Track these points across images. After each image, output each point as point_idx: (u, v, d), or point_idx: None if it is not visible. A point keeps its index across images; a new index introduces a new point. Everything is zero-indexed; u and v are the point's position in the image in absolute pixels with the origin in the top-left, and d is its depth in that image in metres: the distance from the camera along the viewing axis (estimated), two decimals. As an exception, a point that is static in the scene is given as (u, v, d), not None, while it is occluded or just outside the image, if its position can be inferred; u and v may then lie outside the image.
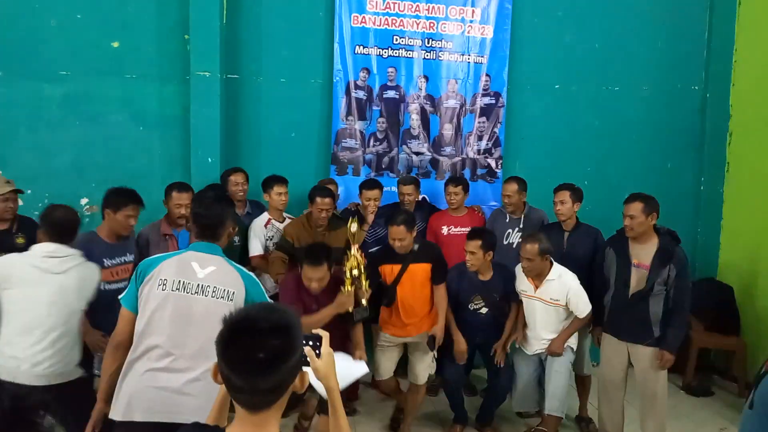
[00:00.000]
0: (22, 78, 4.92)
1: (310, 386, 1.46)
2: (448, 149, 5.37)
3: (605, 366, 3.80)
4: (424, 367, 3.91)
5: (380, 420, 4.27)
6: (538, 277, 3.79)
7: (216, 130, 4.89)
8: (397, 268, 3.77)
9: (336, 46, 5.17)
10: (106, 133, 5.02)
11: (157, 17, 5.01)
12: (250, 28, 5.13)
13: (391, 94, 5.28)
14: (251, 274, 2.53)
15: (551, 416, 3.79)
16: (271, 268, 4.11)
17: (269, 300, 2.57)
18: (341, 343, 3.30)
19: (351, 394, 4.38)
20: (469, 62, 5.32)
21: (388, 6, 5.20)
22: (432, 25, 5.25)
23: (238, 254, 4.22)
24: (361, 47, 5.20)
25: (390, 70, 5.25)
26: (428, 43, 5.27)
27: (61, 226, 2.91)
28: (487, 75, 5.33)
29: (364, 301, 3.47)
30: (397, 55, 5.25)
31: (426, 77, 5.30)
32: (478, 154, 5.39)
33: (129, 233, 3.47)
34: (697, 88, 5.55)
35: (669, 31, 5.50)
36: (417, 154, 5.34)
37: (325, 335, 1.55)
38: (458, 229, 4.53)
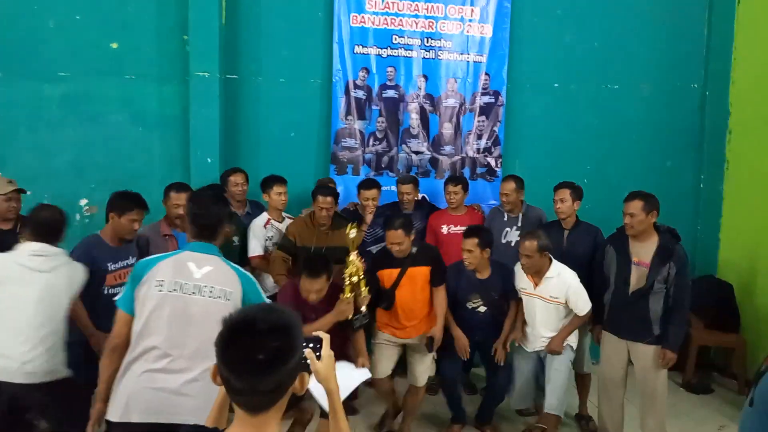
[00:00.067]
0: (22, 78, 4.92)
1: (309, 393, 1.45)
2: (448, 148, 5.37)
3: (605, 364, 3.80)
4: (424, 369, 3.90)
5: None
6: (537, 274, 3.79)
7: (215, 130, 4.89)
8: (395, 272, 3.74)
9: (335, 45, 5.17)
10: (105, 134, 5.03)
11: (157, 18, 5.02)
12: (250, 28, 5.14)
13: (390, 93, 5.28)
14: (248, 273, 2.53)
15: (551, 415, 3.79)
16: (272, 267, 4.11)
17: (266, 300, 2.55)
18: (341, 350, 3.29)
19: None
20: (468, 61, 5.32)
21: (387, 5, 5.20)
22: (431, 24, 5.26)
23: (238, 254, 4.22)
24: (361, 47, 5.21)
25: (389, 69, 5.25)
26: (427, 42, 5.27)
27: (46, 225, 2.94)
28: (486, 74, 5.34)
29: (363, 308, 3.45)
30: (396, 54, 5.25)
31: (425, 76, 5.30)
32: (478, 153, 5.39)
33: (133, 237, 3.46)
34: (696, 86, 5.55)
35: (668, 30, 5.50)
36: (416, 153, 5.34)
37: (326, 337, 1.54)
38: (458, 228, 4.52)
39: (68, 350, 3.37)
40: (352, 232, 3.45)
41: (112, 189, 4.84)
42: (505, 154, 5.43)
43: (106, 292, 3.26)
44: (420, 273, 3.78)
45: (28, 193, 4.08)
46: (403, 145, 5.33)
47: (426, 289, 3.82)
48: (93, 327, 3.16)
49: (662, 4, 5.49)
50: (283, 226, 4.34)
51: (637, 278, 3.56)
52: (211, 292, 2.35)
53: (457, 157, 5.38)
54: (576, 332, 3.89)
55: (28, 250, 2.87)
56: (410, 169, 5.31)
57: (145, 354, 2.30)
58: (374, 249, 4.35)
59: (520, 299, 3.93)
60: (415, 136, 5.34)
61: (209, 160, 4.88)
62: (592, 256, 4.04)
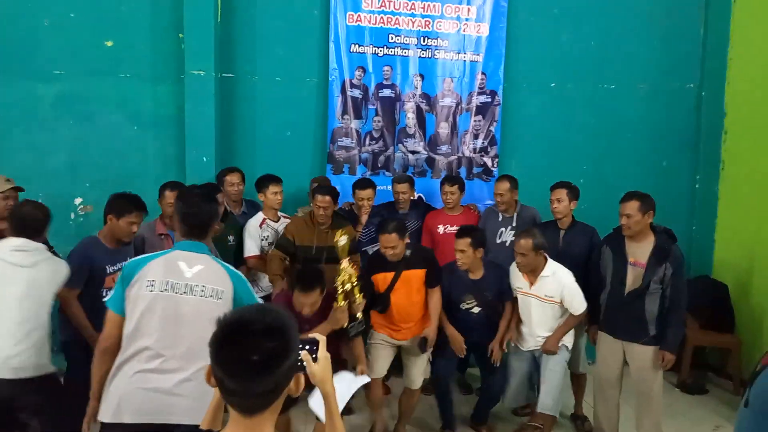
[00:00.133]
0: (16, 77, 4.90)
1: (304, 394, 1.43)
2: (444, 148, 5.37)
3: (601, 364, 3.80)
4: (419, 371, 3.88)
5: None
6: (532, 273, 3.78)
7: (211, 129, 4.88)
8: (390, 275, 3.71)
9: (331, 44, 5.16)
10: (100, 133, 5.01)
11: (152, 16, 5.00)
12: (245, 26, 5.12)
13: (386, 92, 5.27)
14: (238, 272, 2.51)
15: (546, 415, 3.79)
16: (269, 266, 4.09)
17: (257, 298, 2.53)
18: (335, 354, 3.27)
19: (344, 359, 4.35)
20: (464, 60, 5.32)
21: (383, 4, 5.19)
22: (427, 23, 5.25)
23: (233, 254, 4.21)
24: (357, 46, 5.19)
25: (385, 68, 5.24)
26: (424, 41, 5.26)
27: (27, 221, 2.95)
28: (482, 73, 5.33)
29: (359, 315, 3.42)
30: (392, 53, 5.24)
31: (422, 76, 5.29)
32: (474, 152, 5.39)
33: (131, 240, 3.44)
34: (692, 86, 5.56)
35: (664, 30, 5.50)
36: (413, 152, 5.34)
37: (322, 339, 1.53)
38: (454, 228, 4.49)
39: (68, 350, 3.38)
40: (342, 239, 3.43)
41: (107, 188, 4.83)
42: (502, 153, 5.43)
43: (104, 294, 3.24)
44: (415, 276, 3.75)
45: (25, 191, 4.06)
46: (400, 145, 5.32)
47: (422, 291, 3.80)
48: (91, 328, 3.15)
49: (658, 4, 5.49)
50: (278, 226, 4.33)
51: (633, 278, 3.56)
52: (202, 291, 2.33)
53: (453, 157, 5.38)
54: (571, 332, 3.89)
55: (9, 245, 2.87)
56: (407, 168, 5.30)
57: (138, 354, 2.28)
58: (370, 249, 4.34)
59: (515, 299, 3.93)
60: (412, 136, 5.33)
61: (205, 159, 4.87)
62: (588, 256, 4.04)
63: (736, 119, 5.31)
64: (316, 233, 4.06)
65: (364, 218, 4.48)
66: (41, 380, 2.83)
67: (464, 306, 3.90)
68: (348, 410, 4.27)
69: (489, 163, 5.40)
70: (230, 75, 5.11)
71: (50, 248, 3.74)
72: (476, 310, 3.90)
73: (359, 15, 5.17)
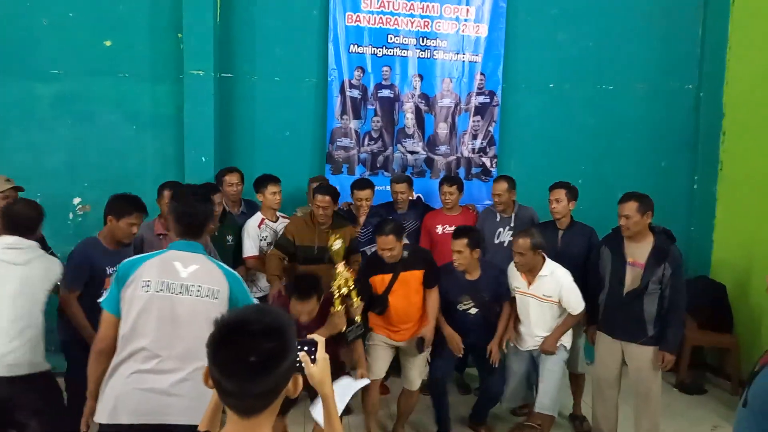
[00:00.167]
0: (14, 77, 4.89)
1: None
2: (443, 148, 5.37)
3: (599, 364, 3.80)
4: (418, 372, 3.87)
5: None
6: (531, 273, 3.78)
7: (210, 129, 4.87)
8: (387, 277, 3.69)
9: (330, 45, 5.16)
10: (99, 133, 5.01)
11: (150, 16, 5.00)
12: (244, 26, 5.12)
13: (385, 93, 5.27)
14: (234, 272, 2.51)
15: (544, 415, 3.79)
16: (267, 265, 4.08)
17: (253, 298, 2.53)
18: (333, 357, 3.25)
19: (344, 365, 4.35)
20: (463, 61, 5.32)
21: (382, 5, 5.19)
22: (426, 23, 5.25)
23: (232, 254, 4.21)
24: (356, 46, 5.20)
25: (384, 69, 5.25)
26: (423, 41, 5.26)
27: (19, 219, 2.96)
28: (481, 74, 5.34)
29: (357, 318, 3.40)
30: (391, 54, 5.25)
31: (420, 76, 5.30)
32: (473, 153, 5.39)
33: (130, 241, 3.44)
34: (691, 87, 5.57)
35: (663, 30, 5.51)
36: (412, 153, 5.34)
37: (321, 340, 1.52)
38: (452, 228, 4.49)
39: (68, 349, 3.38)
40: (336, 244, 3.40)
41: (106, 188, 4.82)
42: (501, 154, 5.43)
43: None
44: (413, 277, 3.74)
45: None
46: (399, 145, 5.32)
47: (420, 291, 3.79)
48: (91, 329, 3.15)
49: (657, 4, 5.50)
50: (277, 226, 4.33)
51: (631, 279, 3.56)
52: (198, 291, 2.33)
53: (452, 157, 5.38)
54: (570, 332, 3.89)
55: (1, 243, 2.89)
56: (405, 168, 5.31)
57: (134, 355, 2.27)
58: (368, 250, 4.34)
59: (514, 299, 3.92)
60: (411, 136, 5.33)
61: (204, 159, 4.87)
62: (587, 256, 4.04)
63: (734, 120, 5.32)
64: (317, 233, 4.04)
65: (362, 219, 4.48)
66: (36, 378, 2.84)
67: (461, 307, 3.89)
68: (347, 410, 4.27)
69: (488, 163, 5.41)
70: (229, 75, 5.11)
71: (48, 248, 3.77)
72: (473, 311, 3.89)
73: (358, 15, 5.18)
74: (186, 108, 4.87)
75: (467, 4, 5.27)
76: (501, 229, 4.50)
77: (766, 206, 4.87)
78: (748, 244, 5.05)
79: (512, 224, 4.47)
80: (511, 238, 4.09)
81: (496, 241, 4.47)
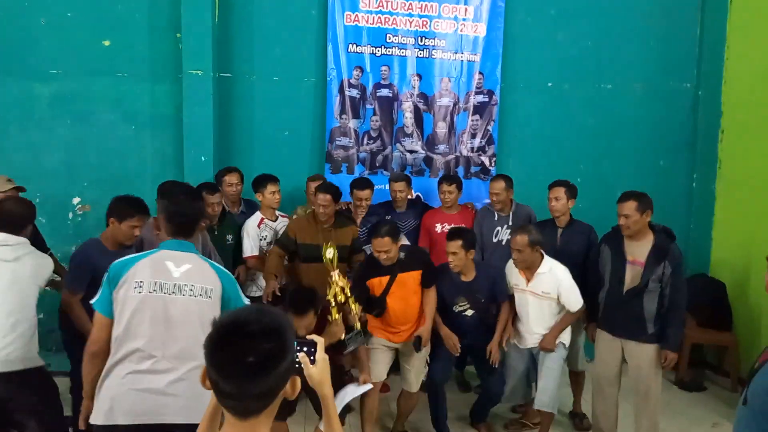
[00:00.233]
0: (12, 77, 4.89)
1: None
2: (442, 147, 5.37)
3: (599, 362, 3.81)
4: (417, 375, 3.85)
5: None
6: (529, 269, 3.79)
7: (209, 129, 4.88)
8: (385, 279, 3.66)
9: (329, 44, 5.16)
10: (97, 133, 5.01)
11: (149, 15, 4.99)
12: (243, 26, 5.12)
13: (384, 92, 5.28)
14: (227, 271, 2.49)
15: (544, 412, 3.80)
16: (267, 262, 4.09)
17: (246, 301, 2.50)
18: (333, 361, 3.23)
19: (343, 380, 4.35)
20: (462, 60, 5.33)
21: (381, 4, 5.19)
22: (425, 23, 5.25)
23: (232, 254, 4.21)
24: (355, 45, 5.20)
25: (383, 68, 5.25)
26: (421, 41, 5.27)
27: (9, 217, 2.97)
28: (480, 73, 5.34)
29: (356, 326, 3.36)
30: (390, 53, 5.25)
31: (419, 75, 5.30)
32: (472, 152, 5.40)
33: (132, 243, 3.44)
34: (689, 86, 5.58)
35: (661, 30, 5.52)
36: (411, 152, 5.34)
37: (320, 340, 1.50)
38: (452, 226, 4.52)
39: (70, 348, 3.38)
40: (329, 252, 3.34)
41: (105, 188, 4.85)
42: (499, 153, 5.44)
43: None
44: (411, 278, 3.71)
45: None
46: (398, 144, 5.33)
47: (418, 292, 3.77)
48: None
49: (655, 4, 5.50)
50: (276, 225, 4.33)
51: (631, 277, 3.56)
52: (191, 290, 2.32)
53: (451, 156, 5.38)
54: (568, 330, 3.89)
55: None
56: (404, 168, 5.31)
57: (129, 356, 2.26)
58: (367, 249, 4.34)
59: (512, 297, 3.92)
60: (409, 135, 5.34)
61: (203, 158, 4.87)
62: (586, 254, 4.05)
63: (733, 119, 5.32)
64: (320, 232, 4.05)
65: (359, 219, 4.48)
66: (30, 374, 2.84)
67: (457, 308, 3.88)
68: (348, 408, 4.27)
69: (486, 162, 5.41)
70: (228, 75, 5.11)
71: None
72: (469, 312, 3.87)
73: (357, 15, 5.18)
74: (185, 108, 4.87)
75: (465, 4, 5.27)
76: (499, 228, 4.51)
77: (765, 204, 4.87)
78: (747, 242, 5.06)
79: (510, 223, 4.47)
80: (510, 237, 4.09)
81: (495, 240, 4.48)
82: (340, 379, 3.34)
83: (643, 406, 3.65)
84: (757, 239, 4.94)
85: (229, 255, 4.16)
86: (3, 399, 2.80)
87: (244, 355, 1.20)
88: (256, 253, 4.22)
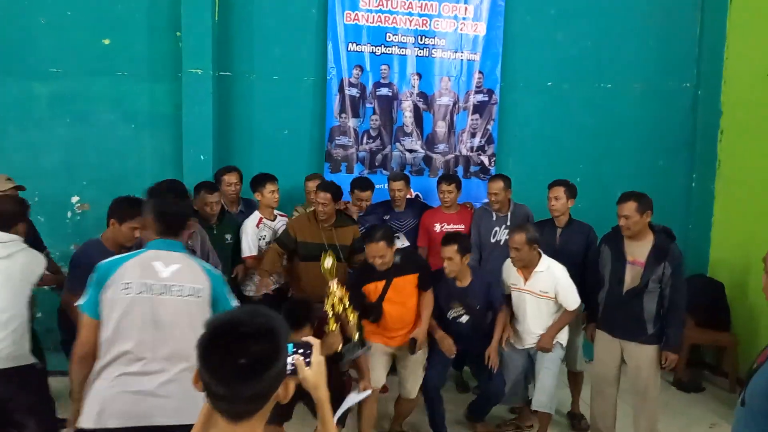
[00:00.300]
0: (11, 76, 4.89)
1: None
2: (442, 146, 5.37)
3: (598, 362, 3.81)
4: (415, 383, 3.82)
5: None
6: (527, 268, 3.79)
7: (208, 128, 4.87)
8: (381, 284, 3.62)
9: (329, 43, 5.15)
10: (96, 132, 5.00)
11: (149, 14, 4.99)
12: (243, 25, 5.11)
13: (384, 91, 5.27)
14: (217, 271, 2.47)
15: (541, 413, 3.80)
16: (265, 258, 4.09)
17: (233, 302, 2.46)
18: (334, 383, 3.19)
19: (345, 392, 4.35)
20: (462, 59, 5.32)
21: (380, 3, 5.19)
22: (425, 22, 5.25)
23: (231, 253, 4.21)
24: (354, 44, 5.19)
25: (383, 67, 5.25)
26: (421, 40, 5.26)
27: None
28: (480, 72, 5.34)
29: (355, 337, 3.31)
30: (390, 52, 5.25)
31: (419, 74, 5.29)
32: (471, 151, 5.39)
33: (132, 244, 3.43)
34: (688, 85, 5.57)
35: (661, 30, 5.51)
36: (410, 151, 5.34)
37: (316, 342, 1.47)
38: (451, 226, 4.53)
39: (69, 348, 3.38)
40: (327, 261, 3.28)
41: (104, 187, 4.86)
42: (499, 152, 5.44)
43: None
44: (407, 281, 3.69)
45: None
46: (397, 143, 5.32)
47: (414, 295, 3.75)
48: None
49: (655, 4, 5.50)
50: (275, 225, 4.33)
51: (631, 277, 3.56)
52: (180, 290, 2.28)
53: (450, 156, 5.38)
54: (565, 330, 3.89)
55: None
56: (404, 167, 5.31)
57: (118, 359, 2.22)
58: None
59: (508, 296, 3.92)
60: (409, 134, 5.33)
61: (202, 157, 4.86)
62: (585, 254, 4.05)
63: (732, 118, 5.33)
64: (321, 231, 4.04)
65: (354, 216, 4.47)
66: (23, 372, 2.84)
67: (452, 314, 3.86)
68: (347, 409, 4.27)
69: (486, 161, 5.41)
70: (228, 74, 5.10)
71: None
72: (464, 319, 3.85)
73: (357, 14, 5.17)
74: (184, 107, 4.87)
75: (465, 3, 5.26)
76: (497, 228, 4.50)
77: (764, 204, 4.88)
78: (746, 242, 5.06)
79: (508, 223, 4.47)
80: (508, 237, 4.09)
81: (493, 240, 4.47)
82: (339, 381, 3.31)
83: (641, 407, 3.65)
84: (756, 239, 4.94)
85: (228, 254, 4.16)
86: (3, 399, 2.80)
87: (236, 357, 1.19)
88: (254, 253, 4.22)
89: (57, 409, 3.18)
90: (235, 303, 2.45)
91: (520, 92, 5.47)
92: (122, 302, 2.24)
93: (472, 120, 5.36)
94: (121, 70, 5.00)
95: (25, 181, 4.11)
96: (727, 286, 5.15)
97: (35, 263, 3.01)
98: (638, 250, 3.55)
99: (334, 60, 5.16)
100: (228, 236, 4.22)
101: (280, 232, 4.24)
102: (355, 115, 5.24)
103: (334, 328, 3.19)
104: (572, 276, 3.80)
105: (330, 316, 3.21)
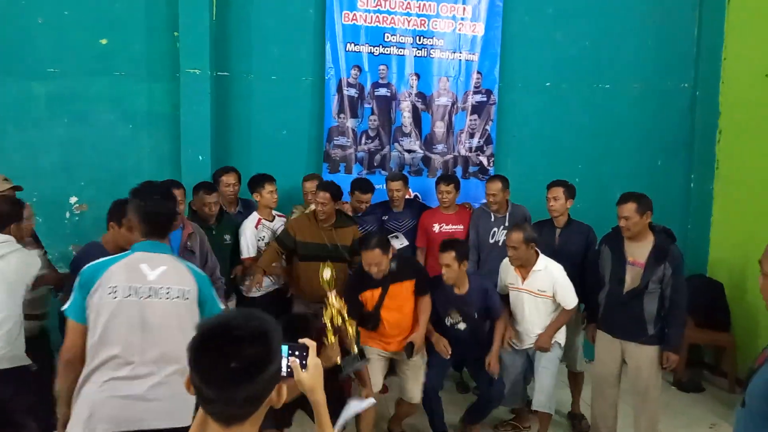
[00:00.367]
0: (9, 76, 4.87)
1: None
2: (440, 147, 5.36)
3: (599, 363, 3.80)
4: (416, 384, 3.79)
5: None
6: (524, 267, 3.78)
7: (206, 128, 4.86)
8: (377, 292, 3.61)
9: (327, 43, 5.15)
10: (94, 132, 4.99)
11: (146, 14, 4.98)
12: (240, 25, 5.10)
13: (382, 91, 5.27)
14: (203, 273, 2.45)
15: (541, 413, 3.79)
16: (263, 256, 4.09)
17: (220, 304, 2.44)
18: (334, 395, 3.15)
19: (344, 395, 4.34)
20: (460, 60, 5.32)
21: (379, 3, 5.18)
22: (423, 22, 5.24)
23: (230, 253, 4.20)
24: (353, 45, 5.19)
25: (381, 67, 5.24)
26: (419, 40, 5.26)
27: None
28: (478, 72, 5.33)
29: (354, 349, 3.26)
30: (388, 52, 5.24)
31: (417, 75, 5.29)
32: (470, 151, 5.39)
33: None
34: (687, 86, 5.58)
35: (659, 30, 5.52)
36: (409, 151, 5.33)
37: (312, 345, 1.44)
38: (449, 226, 4.53)
39: None
40: (326, 273, 3.24)
41: (103, 187, 4.84)
42: (498, 152, 5.43)
43: None
44: (404, 288, 3.67)
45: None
46: (396, 144, 5.32)
47: (411, 300, 3.73)
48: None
49: (654, 4, 5.50)
50: (274, 225, 4.32)
51: (631, 278, 3.56)
52: (167, 293, 2.26)
53: (449, 156, 5.38)
54: (563, 329, 3.89)
55: None
56: (402, 167, 5.30)
57: (106, 363, 2.19)
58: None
59: (506, 296, 3.91)
60: (408, 135, 5.33)
61: (200, 158, 4.85)
62: (584, 254, 4.05)
63: (730, 119, 5.33)
64: (322, 231, 4.03)
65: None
66: (18, 372, 2.82)
67: (449, 321, 3.84)
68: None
69: (485, 162, 5.40)
70: (226, 73, 5.09)
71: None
72: (462, 326, 3.83)
73: (355, 14, 5.17)
74: (182, 107, 4.86)
75: (464, 3, 5.26)
76: (496, 229, 4.49)
77: (763, 204, 4.88)
78: (744, 242, 5.06)
79: (507, 223, 4.46)
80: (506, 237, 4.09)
81: (491, 241, 4.46)
82: (337, 384, 3.27)
83: (642, 407, 3.65)
84: (755, 239, 4.93)
85: (227, 255, 4.15)
86: (2, 399, 2.79)
87: (228, 360, 1.17)
88: (253, 254, 4.21)
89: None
90: (222, 306, 2.43)
91: (519, 92, 5.47)
92: (109, 306, 2.21)
93: (470, 120, 5.36)
94: (119, 70, 4.99)
95: (23, 181, 4.09)
96: (727, 286, 5.15)
97: (30, 264, 3.00)
98: (638, 251, 3.54)
99: (332, 60, 5.16)
100: (227, 237, 4.20)
101: (279, 232, 4.23)
102: (354, 115, 5.23)
103: (333, 341, 3.15)
104: (571, 276, 3.80)
105: (329, 328, 3.16)
